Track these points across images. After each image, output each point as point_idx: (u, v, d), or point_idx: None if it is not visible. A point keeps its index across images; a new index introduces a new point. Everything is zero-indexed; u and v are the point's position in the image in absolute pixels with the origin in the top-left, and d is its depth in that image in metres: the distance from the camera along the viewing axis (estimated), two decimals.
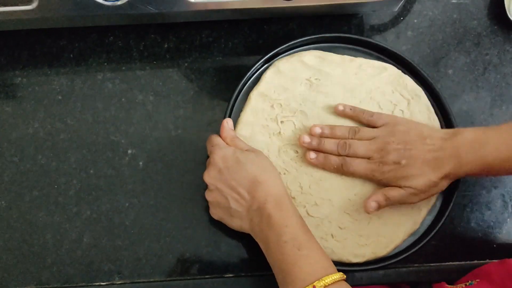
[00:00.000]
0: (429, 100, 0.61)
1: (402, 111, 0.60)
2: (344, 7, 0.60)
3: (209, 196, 0.54)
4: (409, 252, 0.57)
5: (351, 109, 0.59)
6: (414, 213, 0.58)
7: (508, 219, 0.62)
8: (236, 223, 0.54)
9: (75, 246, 0.59)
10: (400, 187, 0.54)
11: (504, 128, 0.52)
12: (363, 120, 0.58)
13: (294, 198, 0.57)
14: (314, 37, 0.62)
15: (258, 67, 0.61)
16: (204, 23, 0.65)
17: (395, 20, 0.67)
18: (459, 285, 0.56)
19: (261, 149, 0.58)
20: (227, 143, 0.55)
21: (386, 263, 0.57)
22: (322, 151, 0.58)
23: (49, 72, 0.64)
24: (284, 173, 0.58)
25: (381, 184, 0.56)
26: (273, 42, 0.66)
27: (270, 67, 0.61)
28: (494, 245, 0.61)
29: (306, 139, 0.58)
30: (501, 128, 0.53)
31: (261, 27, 0.66)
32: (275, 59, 0.62)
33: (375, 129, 0.57)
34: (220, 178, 0.52)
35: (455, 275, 0.59)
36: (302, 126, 0.59)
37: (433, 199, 0.59)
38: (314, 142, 0.57)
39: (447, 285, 0.57)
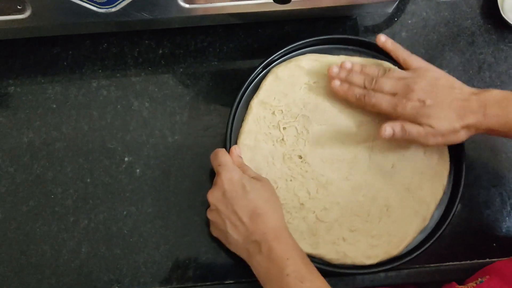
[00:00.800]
0: None
1: None
2: (338, 9, 0.60)
3: (209, 215, 0.54)
4: (423, 249, 0.57)
5: (392, 43, 0.58)
6: (423, 209, 0.58)
7: (507, 218, 0.62)
8: (231, 247, 0.53)
9: (74, 256, 0.58)
10: (420, 124, 0.53)
11: None
12: (400, 58, 0.57)
13: (302, 204, 0.57)
14: (310, 41, 0.62)
15: (256, 74, 0.61)
16: (199, 28, 0.65)
17: (389, 21, 0.68)
18: (469, 284, 0.56)
19: (266, 157, 0.58)
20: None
21: (399, 262, 0.56)
22: (349, 83, 0.57)
23: (43, 80, 0.63)
24: (291, 180, 0.58)
25: (402, 120, 0.55)
26: (268, 46, 0.65)
27: (268, 74, 0.61)
28: (494, 244, 0.61)
29: (335, 69, 0.58)
30: None
31: (256, 31, 0.66)
32: (272, 65, 0.62)
33: (406, 71, 0.56)
34: (223, 200, 0.52)
35: (463, 274, 0.59)
36: (305, 130, 0.59)
37: (440, 192, 0.59)
38: (343, 74, 0.58)
39: (457, 285, 0.57)
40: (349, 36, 0.63)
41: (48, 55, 0.64)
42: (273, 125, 0.59)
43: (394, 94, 0.55)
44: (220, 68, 0.65)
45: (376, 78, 0.56)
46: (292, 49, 0.62)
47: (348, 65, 0.58)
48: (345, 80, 0.58)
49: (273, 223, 0.51)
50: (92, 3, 0.54)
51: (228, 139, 0.58)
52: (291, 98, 0.60)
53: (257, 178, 0.53)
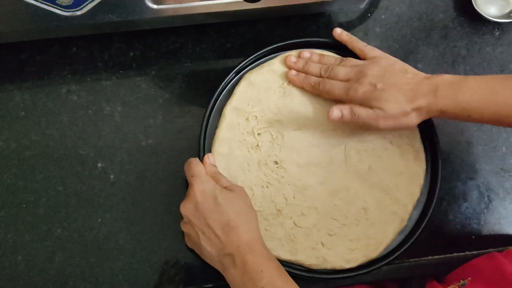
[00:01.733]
0: None
1: None
2: (310, 6, 0.60)
3: (183, 227, 0.53)
4: (401, 250, 0.57)
5: (347, 35, 0.59)
6: (401, 210, 0.58)
7: (485, 210, 0.63)
8: (206, 260, 0.53)
9: (48, 266, 0.57)
10: (371, 107, 0.53)
11: (486, 76, 0.52)
12: (356, 49, 0.58)
13: (280, 210, 0.57)
14: (282, 44, 0.61)
15: (228, 81, 0.60)
16: (170, 29, 0.64)
17: (363, 17, 0.67)
18: (451, 285, 0.56)
19: (241, 164, 0.57)
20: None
21: (379, 264, 0.56)
22: (306, 73, 0.58)
23: (10, 87, 0.62)
24: (267, 186, 0.57)
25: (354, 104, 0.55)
26: (241, 45, 0.65)
27: (241, 80, 0.60)
28: (473, 237, 0.62)
29: (293, 58, 0.59)
30: (483, 76, 0.53)
31: (228, 30, 0.65)
32: (245, 70, 0.61)
33: (362, 60, 0.58)
34: (195, 213, 0.51)
35: (442, 268, 0.60)
36: (279, 135, 0.58)
37: (417, 193, 0.58)
38: (300, 64, 0.59)
39: (439, 286, 0.57)
40: (321, 39, 0.62)
41: (15, 62, 0.62)
42: (247, 132, 0.58)
43: (347, 80, 0.56)
44: (193, 69, 0.64)
45: (331, 66, 0.57)
46: (265, 53, 0.61)
47: (306, 54, 0.59)
48: (302, 70, 0.59)
49: (246, 236, 0.50)
50: (57, 7, 0.53)
51: (201, 147, 0.57)
52: (265, 103, 0.59)
53: (231, 189, 0.52)
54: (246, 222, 0.51)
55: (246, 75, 0.60)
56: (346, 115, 0.54)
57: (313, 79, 0.58)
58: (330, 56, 0.59)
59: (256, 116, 0.59)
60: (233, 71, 0.60)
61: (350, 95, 0.54)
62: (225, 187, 0.52)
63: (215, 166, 0.55)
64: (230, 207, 0.50)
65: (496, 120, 0.51)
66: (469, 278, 0.56)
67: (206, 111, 0.58)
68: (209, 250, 0.50)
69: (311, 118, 0.59)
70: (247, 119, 0.58)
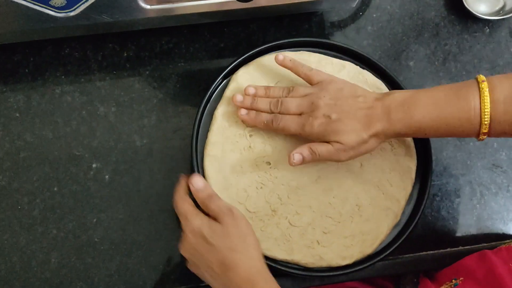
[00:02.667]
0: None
1: None
2: (302, 5, 0.60)
3: (188, 265, 0.52)
4: (396, 245, 0.57)
5: (290, 60, 0.57)
6: (394, 205, 0.58)
7: (478, 205, 0.63)
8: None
9: (44, 267, 0.57)
10: (328, 142, 0.52)
11: (436, 89, 0.51)
12: (301, 74, 0.56)
13: (274, 211, 0.57)
14: (269, 45, 0.61)
15: (219, 83, 0.60)
16: (163, 29, 0.64)
17: (355, 16, 0.68)
18: (444, 285, 0.57)
19: (234, 166, 0.57)
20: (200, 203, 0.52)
21: (374, 260, 0.56)
22: (256, 110, 0.56)
23: (4, 89, 0.61)
24: (261, 187, 0.57)
25: (311, 140, 0.54)
26: (234, 45, 0.65)
27: (230, 82, 0.60)
28: (465, 232, 0.62)
29: (239, 97, 0.56)
30: (433, 89, 0.52)
31: (221, 30, 0.65)
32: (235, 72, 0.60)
33: (309, 86, 0.56)
34: (194, 253, 0.50)
35: (436, 263, 0.60)
36: (271, 136, 0.58)
37: (409, 188, 0.59)
38: (247, 101, 0.56)
39: (431, 285, 0.58)
40: (312, 39, 0.62)
41: (9, 63, 0.62)
42: (239, 134, 0.58)
43: (300, 114, 0.54)
44: (187, 69, 0.64)
45: (281, 99, 0.55)
46: (254, 54, 0.61)
47: (250, 90, 0.56)
48: (252, 108, 0.56)
49: (245, 273, 0.48)
50: (50, 8, 0.53)
51: (193, 151, 0.56)
52: None
53: (220, 218, 0.49)
54: (243, 255, 0.48)
55: (234, 76, 0.60)
56: (307, 156, 0.53)
57: (265, 117, 0.55)
58: (276, 87, 0.57)
59: None
60: (221, 76, 0.59)
61: (307, 131, 0.53)
62: (214, 216, 0.50)
63: (203, 189, 0.52)
64: (222, 244, 0.48)
65: (450, 135, 0.51)
66: (461, 278, 0.56)
67: (197, 115, 0.57)
68: (216, 286, 0.50)
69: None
70: (237, 121, 0.58)
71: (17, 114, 0.61)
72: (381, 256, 0.56)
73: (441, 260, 0.60)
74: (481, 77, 0.49)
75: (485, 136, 0.49)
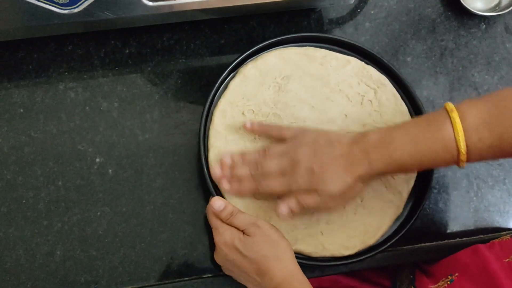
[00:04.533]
0: (394, 87, 0.63)
1: (371, 101, 0.61)
2: (301, 2, 0.61)
3: (225, 271, 0.56)
4: (398, 237, 0.58)
5: (258, 125, 0.58)
6: (396, 198, 0.59)
7: (475, 198, 0.64)
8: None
9: (49, 259, 0.58)
10: (316, 191, 0.52)
11: (409, 124, 0.52)
12: (273, 135, 0.57)
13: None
14: (275, 40, 0.62)
15: (225, 76, 0.61)
16: (165, 26, 0.65)
17: (353, 13, 0.69)
18: (440, 281, 0.58)
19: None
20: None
21: (376, 251, 0.57)
22: (237, 177, 0.56)
23: (8, 85, 0.62)
24: None
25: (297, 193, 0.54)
26: (235, 41, 0.66)
27: (236, 75, 0.61)
28: (463, 224, 0.63)
29: (217, 171, 0.56)
30: (406, 124, 0.52)
31: (222, 26, 0.66)
32: (240, 66, 0.61)
33: (284, 144, 0.56)
34: (228, 262, 0.53)
35: (434, 255, 0.62)
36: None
37: (412, 181, 0.60)
38: (226, 172, 0.57)
39: (428, 282, 0.58)
40: (315, 34, 0.63)
41: (13, 60, 0.63)
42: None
43: (283, 173, 0.54)
44: (188, 65, 0.65)
45: (259, 162, 0.55)
46: (258, 49, 0.62)
47: (227, 160, 0.57)
48: (232, 178, 0.56)
49: (280, 276, 0.50)
50: (54, 5, 0.54)
51: (201, 145, 0.57)
52: (260, 97, 0.60)
53: (249, 233, 0.52)
54: (277, 260, 0.51)
55: (241, 69, 0.61)
56: (295, 208, 0.53)
57: (249, 186, 0.55)
58: (250, 152, 0.57)
59: (252, 110, 0.60)
60: (227, 70, 0.60)
61: (294, 189, 0.53)
62: (243, 231, 0.52)
63: (224, 208, 0.53)
64: (255, 253, 0.51)
65: (432, 166, 0.52)
66: (456, 274, 0.57)
67: (204, 108, 0.58)
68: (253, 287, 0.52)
69: (306, 111, 0.60)
70: (242, 113, 0.60)
71: (21, 110, 0.62)
72: (383, 248, 0.58)
73: (439, 252, 0.62)
74: (450, 105, 0.49)
75: (465, 163, 0.49)
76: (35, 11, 0.54)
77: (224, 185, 0.56)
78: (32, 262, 0.58)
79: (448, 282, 0.57)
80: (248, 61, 0.62)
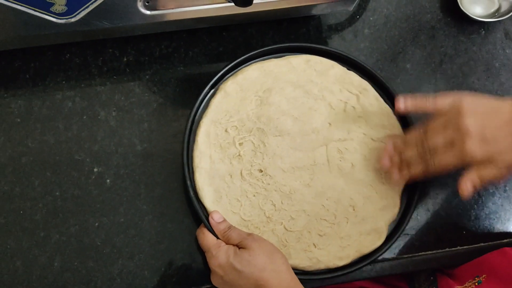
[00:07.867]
0: (377, 91, 0.63)
1: (354, 107, 0.61)
2: (300, 9, 0.61)
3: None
4: (392, 241, 0.58)
5: (411, 101, 0.54)
6: (389, 203, 0.59)
7: (475, 205, 0.64)
8: None
9: (46, 271, 0.57)
10: (491, 163, 0.49)
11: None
12: (429, 108, 0.54)
13: (269, 217, 0.57)
14: (253, 53, 0.61)
15: (206, 93, 0.60)
16: (163, 34, 0.65)
17: (352, 19, 0.68)
18: (467, 282, 0.57)
19: (223, 176, 0.57)
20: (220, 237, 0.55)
21: (371, 259, 0.57)
22: (405, 161, 0.55)
23: (5, 95, 0.62)
24: (254, 195, 0.58)
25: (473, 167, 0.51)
26: (233, 49, 0.66)
27: (217, 92, 0.60)
28: (464, 232, 0.63)
29: (386, 161, 0.57)
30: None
31: (220, 34, 0.66)
32: (220, 81, 0.61)
33: (441, 115, 0.52)
34: (225, 284, 0.52)
35: (435, 264, 0.61)
36: (261, 143, 0.59)
37: (401, 186, 0.60)
38: (395, 159, 0.56)
39: (453, 283, 0.58)
40: (297, 44, 0.63)
41: (9, 69, 0.63)
42: (228, 142, 0.58)
43: (452, 144, 0.51)
44: (186, 73, 0.64)
45: (423, 140, 0.53)
46: (240, 62, 0.61)
47: (389, 147, 0.56)
48: (401, 162, 0.56)
49: (278, 287, 0.50)
50: (52, 15, 0.54)
51: (185, 165, 0.57)
52: (243, 113, 0.59)
53: (244, 245, 0.52)
54: (274, 273, 0.51)
55: (221, 86, 0.60)
56: (477, 184, 0.50)
57: (418, 168, 0.54)
58: (410, 135, 0.56)
59: (236, 126, 0.59)
60: (208, 85, 0.60)
61: (467, 160, 0.50)
62: (237, 245, 0.53)
63: (222, 221, 0.55)
64: (251, 268, 0.50)
65: None
66: (484, 275, 0.56)
67: (186, 125, 0.58)
68: None
69: (290, 123, 0.60)
70: (226, 130, 0.59)
71: (19, 120, 0.61)
72: (378, 254, 0.57)
73: (440, 260, 0.61)
74: None
75: None
76: (32, 21, 0.54)
77: (395, 177, 0.56)
78: (29, 273, 0.57)
79: (476, 283, 0.56)
80: (227, 76, 0.61)
